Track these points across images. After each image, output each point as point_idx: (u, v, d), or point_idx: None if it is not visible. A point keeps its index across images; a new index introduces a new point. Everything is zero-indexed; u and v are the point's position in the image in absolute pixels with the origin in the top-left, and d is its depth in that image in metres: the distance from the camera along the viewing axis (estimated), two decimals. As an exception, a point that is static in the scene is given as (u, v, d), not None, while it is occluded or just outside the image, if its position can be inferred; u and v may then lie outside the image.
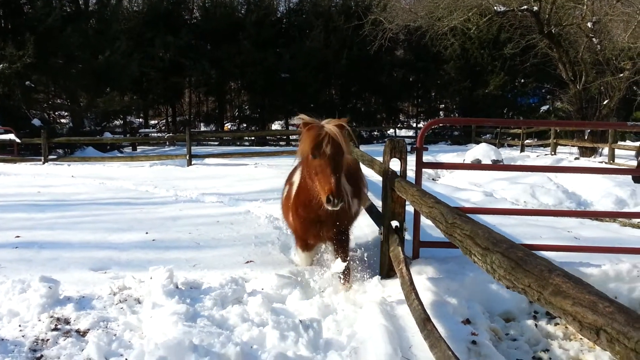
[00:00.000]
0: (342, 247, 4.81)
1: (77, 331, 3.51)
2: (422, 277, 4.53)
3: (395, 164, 5.00)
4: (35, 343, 3.33)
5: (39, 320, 3.60)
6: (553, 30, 20.74)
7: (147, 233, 6.99)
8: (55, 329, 3.50)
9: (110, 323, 3.64)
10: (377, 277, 5.13)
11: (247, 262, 5.50)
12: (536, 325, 4.31)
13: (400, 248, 4.37)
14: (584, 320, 1.41)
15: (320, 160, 3.91)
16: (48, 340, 3.35)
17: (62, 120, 29.69)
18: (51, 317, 3.65)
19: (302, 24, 36.64)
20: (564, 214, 6.77)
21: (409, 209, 5.13)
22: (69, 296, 4.03)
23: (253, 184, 11.88)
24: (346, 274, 4.76)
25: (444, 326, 3.55)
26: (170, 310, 3.64)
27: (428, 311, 3.39)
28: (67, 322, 3.63)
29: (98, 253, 5.96)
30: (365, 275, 5.28)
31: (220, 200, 9.78)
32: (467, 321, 4.10)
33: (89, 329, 3.51)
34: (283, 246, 6.33)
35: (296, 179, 4.75)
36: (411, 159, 5.15)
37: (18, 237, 6.72)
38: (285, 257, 5.78)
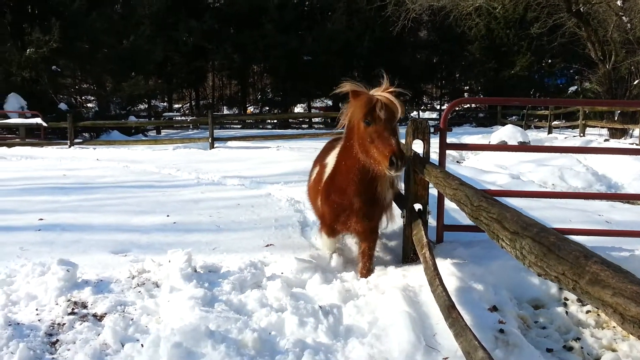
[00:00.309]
0: (369, 241, 4.62)
1: (94, 315, 3.47)
2: (446, 261, 4.39)
3: (417, 146, 4.85)
4: (51, 327, 3.29)
5: (56, 304, 3.56)
6: (582, 9, 20.10)
7: (168, 216, 6.96)
8: (72, 313, 3.47)
9: (128, 307, 3.59)
10: (399, 262, 5.03)
11: (267, 245, 5.43)
12: (567, 312, 4.14)
13: (423, 232, 4.23)
14: (627, 313, 1.27)
15: (376, 126, 3.70)
16: (64, 324, 3.31)
17: (89, 105, 30.03)
18: (68, 300, 3.61)
19: (325, 6, 36.26)
20: (595, 197, 6.52)
21: (432, 191, 4.99)
22: (87, 279, 3.99)
23: (274, 166, 11.80)
24: (368, 261, 4.64)
25: (470, 314, 3.42)
26: (187, 295, 3.58)
27: (453, 298, 3.26)
28: (84, 306, 3.59)
29: (119, 236, 5.95)
30: (387, 260, 5.17)
31: (241, 183, 9.73)
32: (494, 308, 3.96)
33: (105, 313, 3.47)
34: (303, 229, 6.24)
35: (330, 160, 4.52)
36: (434, 141, 4.99)
37: (41, 219, 6.74)
38: (306, 241, 5.69)
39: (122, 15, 28.41)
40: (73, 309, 3.52)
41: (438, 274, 3.43)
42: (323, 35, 33.47)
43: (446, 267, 4.25)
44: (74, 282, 3.85)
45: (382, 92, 3.81)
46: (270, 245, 5.44)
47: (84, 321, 3.36)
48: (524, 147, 5.83)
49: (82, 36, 24.06)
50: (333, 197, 4.39)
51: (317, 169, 4.90)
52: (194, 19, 33.65)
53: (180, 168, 12.00)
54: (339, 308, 3.70)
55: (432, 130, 5.00)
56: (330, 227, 4.68)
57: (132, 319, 3.41)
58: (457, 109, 39.63)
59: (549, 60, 34.60)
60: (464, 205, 2.58)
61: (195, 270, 4.12)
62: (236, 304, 3.67)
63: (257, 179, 9.92)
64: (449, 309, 2.95)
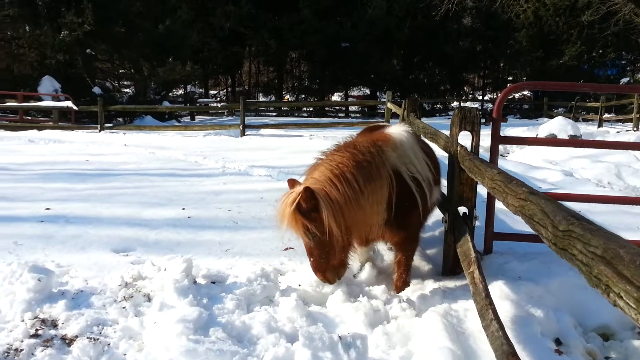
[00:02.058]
0: (406, 250, 3.91)
1: (63, 338, 2.81)
2: (498, 280, 3.62)
3: (464, 138, 4.07)
4: (5, 354, 2.64)
5: (22, 321, 2.91)
6: (642, -7, 18.61)
7: (184, 209, 6.37)
8: (35, 335, 2.79)
9: (106, 328, 2.93)
10: (439, 274, 4.29)
11: (286, 249, 4.74)
12: (645, 346, 3.34)
13: (470, 243, 3.47)
14: None
15: None
16: (22, 350, 2.64)
17: (126, 90, 29.91)
18: (36, 317, 2.95)
19: (365, -9, 35.13)
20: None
21: (480, 189, 4.23)
22: (64, 290, 3.33)
23: (305, 156, 10.95)
24: (404, 272, 3.92)
25: (533, 357, 2.66)
26: (179, 315, 2.91)
27: (509, 332, 2.53)
28: (54, 324, 2.93)
29: (126, 231, 5.38)
30: (424, 271, 4.44)
31: (268, 173, 9.08)
32: (558, 342, 3.22)
33: (77, 336, 2.79)
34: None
35: None
36: (484, 133, 4.21)
37: (48, 209, 6.23)
38: (331, 245, 4.98)
39: (158, -2, 28.06)
40: (38, 328, 2.84)
41: (491, 304, 2.68)
42: (362, 22, 32.41)
43: (498, 287, 3.49)
44: (48, 293, 3.20)
45: (286, 203, 3.27)
46: (290, 249, 4.75)
47: (48, 347, 2.69)
48: (587, 141, 4.94)
49: (117, 19, 23.75)
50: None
51: None
52: (232, 4, 33.08)
53: (207, 156, 11.45)
54: (364, 338, 2.97)
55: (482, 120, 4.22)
56: (361, 236, 3.93)
57: (109, 345, 2.75)
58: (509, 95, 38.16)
59: (600, 51, 32.73)
60: (540, 226, 1.82)
61: (195, 282, 3.45)
62: (238, 327, 2.99)
63: (286, 170, 9.25)
64: (508, 358, 2.21)
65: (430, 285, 3.94)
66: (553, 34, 31.60)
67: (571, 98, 28.05)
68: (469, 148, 4.00)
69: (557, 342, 3.23)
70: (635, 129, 20.83)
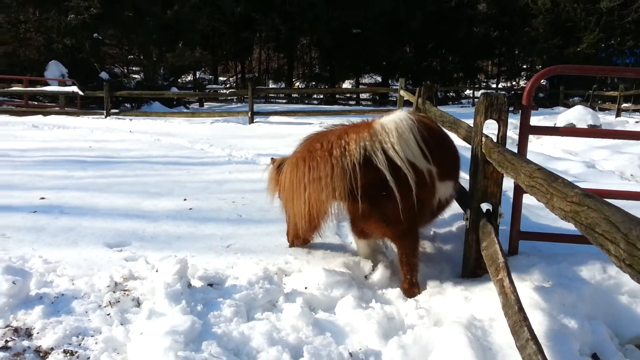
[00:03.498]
0: (403, 247, 3.62)
1: (37, 350, 2.46)
2: (526, 285, 3.26)
3: (487, 128, 3.67)
4: (-32, 370, 2.33)
5: (-7, 330, 2.60)
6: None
7: (185, 200, 6.04)
8: (5, 347, 2.45)
9: (87, 339, 2.58)
10: (458, 274, 3.93)
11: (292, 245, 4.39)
12: (692, 363, 2.97)
13: (497, 245, 3.09)
14: None
15: None
16: None
17: (135, 76, 29.57)
18: (7, 326, 2.61)
19: (378, -24, 34.38)
20: None
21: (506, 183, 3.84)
22: (42, 294, 2.99)
23: (315, 144, 10.70)
24: (408, 272, 3.58)
25: (575, 384, 2.30)
26: (168, 326, 2.55)
27: (545, 349, 2.18)
28: (28, 334, 2.59)
29: (122, 223, 5.05)
30: (442, 271, 4.07)
31: (276, 162, 8.72)
32: (595, 357, 2.85)
33: (52, 348, 2.46)
34: (340, 224, 5.17)
35: None
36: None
37: (43, 198, 5.93)
38: (341, 241, 4.63)
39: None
40: (9, 340, 2.49)
41: (526, 319, 2.31)
42: (374, 8, 31.77)
43: (527, 293, 3.12)
44: (24, 297, 2.86)
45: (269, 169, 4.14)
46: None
47: (18, 361, 2.38)
48: (619, 132, 4.52)
49: (125, 3, 23.33)
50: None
51: None
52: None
53: (214, 143, 11.10)
54: (378, 355, 2.63)
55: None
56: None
57: (88, 359, 2.43)
58: (515, 87, 37.49)
59: (618, 38, 31.85)
60: (607, 241, 1.44)
61: (189, 285, 3.09)
62: (236, 338, 2.64)
63: (294, 158, 8.88)
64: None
65: (449, 288, 3.57)
66: (570, 21, 30.79)
67: (588, 87, 27.36)
68: (494, 139, 3.61)
69: (594, 357, 2.87)
70: (655, 119, 20.26)
